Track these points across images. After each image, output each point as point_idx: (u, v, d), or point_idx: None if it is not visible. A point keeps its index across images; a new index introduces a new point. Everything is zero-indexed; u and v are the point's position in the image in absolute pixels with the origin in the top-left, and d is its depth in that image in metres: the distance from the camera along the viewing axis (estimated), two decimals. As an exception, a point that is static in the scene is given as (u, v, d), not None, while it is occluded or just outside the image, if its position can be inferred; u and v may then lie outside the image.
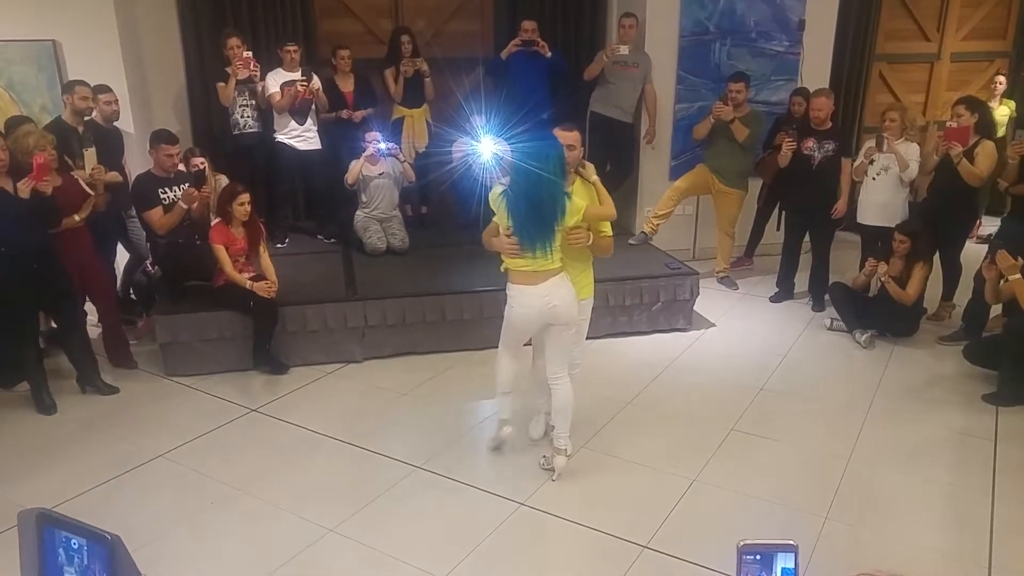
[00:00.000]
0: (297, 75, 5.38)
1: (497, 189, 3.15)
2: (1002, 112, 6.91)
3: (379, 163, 5.41)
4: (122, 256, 5.08)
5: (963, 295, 5.07)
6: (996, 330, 4.67)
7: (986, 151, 4.69)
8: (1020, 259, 4.09)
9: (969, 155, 4.67)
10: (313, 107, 5.52)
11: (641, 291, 4.97)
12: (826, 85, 5.85)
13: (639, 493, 3.33)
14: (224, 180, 4.94)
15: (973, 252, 5.18)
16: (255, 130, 5.46)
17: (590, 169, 3.26)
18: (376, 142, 5.28)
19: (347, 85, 5.69)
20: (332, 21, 6.22)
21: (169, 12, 5.67)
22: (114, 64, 5.11)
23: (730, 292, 5.82)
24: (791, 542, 1.26)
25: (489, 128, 3.62)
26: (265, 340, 4.38)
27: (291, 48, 5.39)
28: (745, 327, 5.20)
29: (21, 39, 4.93)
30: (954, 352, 4.62)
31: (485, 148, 3.56)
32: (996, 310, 4.79)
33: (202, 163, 4.85)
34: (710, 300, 5.44)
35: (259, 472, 3.46)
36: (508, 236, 3.09)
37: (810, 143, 5.19)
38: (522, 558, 2.93)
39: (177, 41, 5.75)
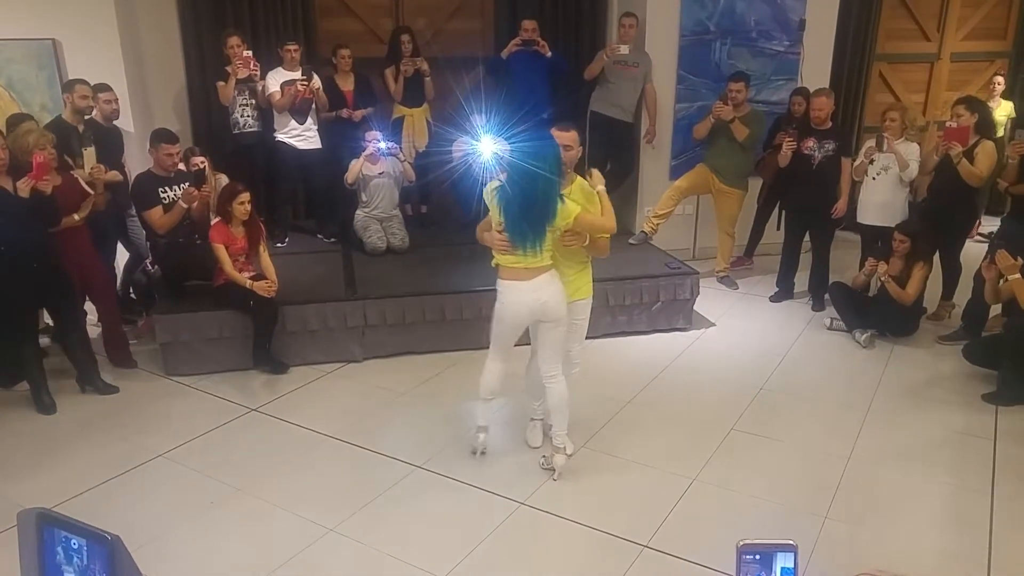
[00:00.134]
0: (297, 74, 5.38)
1: (492, 184, 3.16)
2: (1001, 112, 6.91)
3: (379, 162, 5.41)
4: (122, 255, 5.08)
5: (963, 295, 5.08)
6: (996, 330, 4.68)
7: (986, 151, 4.70)
8: (1020, 259, 4.09)
9: (969, 155, 4.67)
10: (313, 106, 5.52)
11: (641, 291, 4.97)
12: (826, 85, 5.85)
13: (639, 493, 3.33)
14: (224, 179, 4.94)
15: (973, 252, 5.18)
16: (255, 129, 5.46)
17: (597, 177, 3.25)
18: (376, 141, 5.28)
19: (347, 84, 5.69)
20: (332, 20, 6.22)
21: (169, 11, 5.67)
22: (114, 63, 5.11)
23: (730, 292, 5.82)
24: (790, 542, 1.26)
25: (489, 128, 3.62)
26: (265, 340, 4.38)
27: (291, 47, 5.39)
28: (745, 327, 5.20)
29: (21, 38, 4.93)
30: (954, 352, 4.62)
31: (485, 147, 3.56)
32: (996, 310, 4.79)
33: (202, 162, 4.85)
34: (710, 300, 5.44)
35: (259, 472, 3.46)
36: (500, 232, 3.11)
37: (810, 143, 5.19)
38: (522, 557, 2.93)
39: (177, 40, 5.74)
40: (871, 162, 5.08)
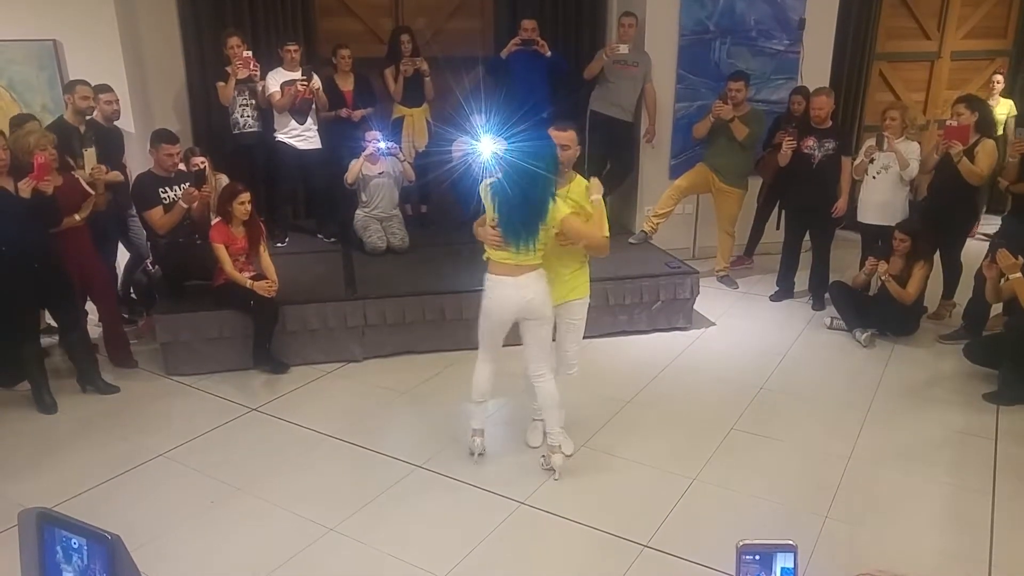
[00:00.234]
0: (297, 74, 5.38)
1: (488, 180, 3.18)
2: (1000, 111, 6.91)
3: (379, 162, 5.41)
4: (122, 255, 5.08)
5: (963, 294, 5.07)
6: (997, 329, 4.67)
7: (986, 150, 4.69)
8: (1020, 258, 4.08)
9: (969, 154, 4.67)
10: (313, 106, 5.52)
11: (641, 290, 4.97)
12: (826, 84, 5.85)
13: (639, 492, 3.33)
14: (224, 179, 4.95)
15: (973, 251, 5.18)
16: (255, 129, 5.46)
17: (595, 186, 3.22)
18: (376, 141, 5.28)
19: (347, 84, 5.68)
20: (332, 20, 6.23)
21: (169, 11, 5.67)
22: (114, 63, 5.12)
23: (730, 291, 5.82)
24: (790, 542, 1.26)
25: (489, 127, 3.62)
26: (265, 339, 4.38)
27: (291, 47, 5.39)
28: (745, 326, 5.20)
29: (22, 38, 4.94)
30: (954, 351, 4.62)
31: (485, 147, 3.57)
32: (997, 309, 4.79)
33: (202, 162, 4.85)
34: (710, 299, 5.44)
35: (259, 471, 3.46)
36: (493, 227, 3.13)
37: (810, 142, 5.18)
38: (522, 557, 2.94)
39: (177, 40, 5.75)
40: (871, 161, 5.08)
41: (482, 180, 3.25)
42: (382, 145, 5.29)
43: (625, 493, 3.33)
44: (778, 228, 6.01)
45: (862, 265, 5.09)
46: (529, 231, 3.07)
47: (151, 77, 5.63)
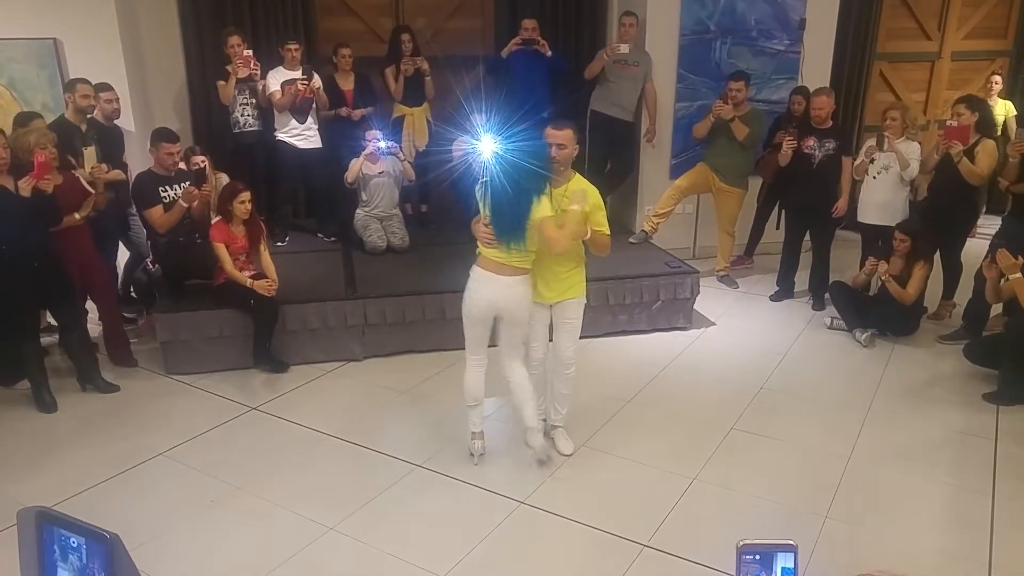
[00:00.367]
0: (298, 74, 5.38)
1: (483, 179, 3.21)
2: (997, 111, 6.91)
3: (379, 162, 5.41)
4: (123, 254, 5.08)
5: (963, 294, 5.07)
6: (997, 329, 4.67)
7: (987, 150, 4.69)
8: (1020, 258, 4.08)
9: (969, 154, 4.67)
10: (313, 106, 5.52)
11: (641, 290, 4.97)
12: (827, 84, 5.85)
13: (639, 492, 3.33)
14: (224, 178, 4.95)
15: (973, 251, 5.17)
16: (255, 128, 5.46)
17: (576, 196, 3.12)
18: (376, 140, 5.28)
19: (347, 83, 5.68)
20: (332, 19, 6.22)
21: (170, 10, 5.67)
22: (115, 62, 5.12)
23: (730, 291, 5.82)
24: (791, 542, 1.25)
25: (489, 127, 3.62)
26: (265, 338, 4.38)
27: (292, 46, 5.39)
28: (745, 326, 5.20)
29: (22, 37, 4.93)
30: (954, 351, 4.62)
31: (485, 147, 3.58)
32: (997, 309, 4.78)
33: (203, 161, 4.85)
34: (710, 299, 5.44)
35: (259, 470, 3.46)
36: (486, 225, 3.17)
37: (810, 142, 5.18)
38: (522, 556, 2.93)
39: (178, 39, 5.75)
40: (872, 161, 5.07)
41: (480, 179, 3.26)
42: (382, 144, 5.28)
43: (625, 493, 3.33)
44: (778, 228, 6.01)
45: (862, 265, 5.09)
46: (517, 230, 3.10)
47: (151, 76, 5.63)
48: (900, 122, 4.97)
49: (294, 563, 2.84)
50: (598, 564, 2.88)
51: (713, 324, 5.21)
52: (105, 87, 4.76)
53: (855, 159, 5.22)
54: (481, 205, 3.22)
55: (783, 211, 5.91)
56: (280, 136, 5.49)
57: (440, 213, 6.17)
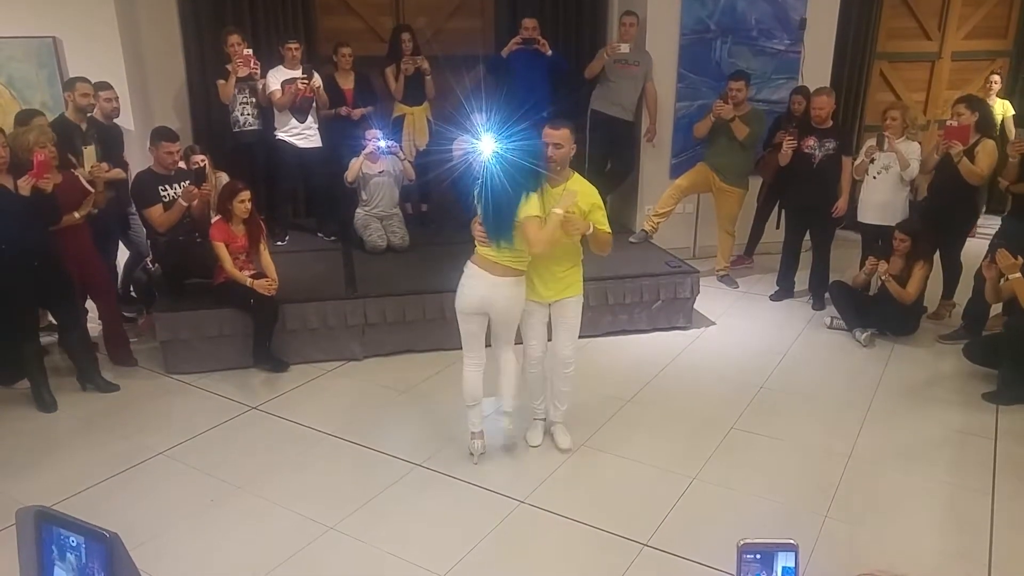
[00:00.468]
0: (298, 73, 5.37)
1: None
2: (996, 111, 6.91)
3: (379, 161, 5.41)
4: (122, 253, 5.08)
5: (963, 294, 5.07)
6: (996, 329, 4.67)
7: (987, 150, 4.69)
8: (1020, 258, 4.08)
9: (969, 154, 4.66)
10: (314, 105, 5.51)
11: (641, 289, 4.97)
12: (827, 84, 5.85)
13: (639, 491, 3.33)
14: (224, 177, 4.94)
15: (973, 251, 5.17)
16: (255, 128, 5.45)
17: (565, 199, 3.11)
18: (376, 140, 5.28)
19: (347, 83, 5.68)
20: (333, 18, 6.22)
21: (169, 9, 5.67)
22: (114, 61, 5.11)
23: (730, 290, 5.82)
24: (792, 541, 1.25)
25: (487, 126, 3.63)
26: (265, 338, 4.38)
27: (292, 45, 5.38)
28: (745, 326, 5.20)
29: (21, 35, 4.93)
30: (954, 351, 4.62)
31: (486, 146, 3.58)
32: (996, 309, 4.79)
33: (202, 160, 4.84)
34: (710, 298, 5.44)
35: (259, 470, 3.46)
36: (479, 224, 3.20)
37: (811, 142, 5.18)
38: (522, 556, 2.93)
39: (177, 38, 5.74)
40: (872, 161, 5.07)
41: (478, 178, 3.27)
42: (382, 144, 5.28)
43: (625, 492, 3.33)
44: (778, 228, 6.01)
45: (862, 265, 5.09)
46: (504, 226, 3.11)
47: (151, 75, 5.63)
48: (900, 122, 4.97)
49: (294, 562, 2.84)
50: (598, 563, 2.88)
51: (713, 324, 5.21)
52: (104, 86, 4.76)
53: (855, 159, 5.22)
54: (476, 203, 3.24)
55: (783, 211, 5.91)
56: (280, 135, 5.49)
57: (440, 212, 6.17)
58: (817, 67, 6.18)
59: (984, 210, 6.48)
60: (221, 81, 5.30)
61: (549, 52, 5.78)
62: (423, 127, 5.90)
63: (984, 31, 7.70)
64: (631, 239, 5.75)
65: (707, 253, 6.22)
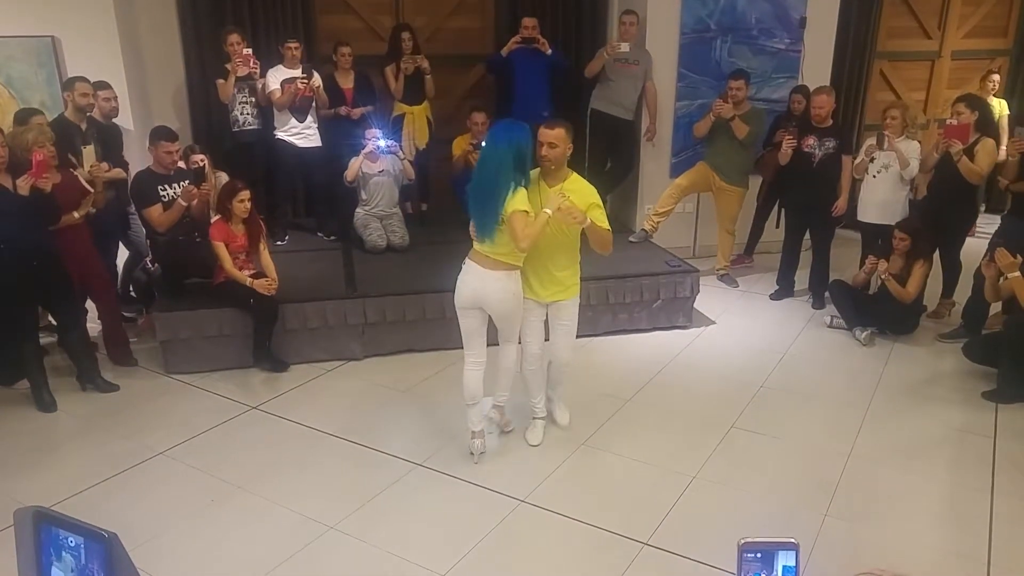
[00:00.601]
0: (298, 72, 5.37)
1: None
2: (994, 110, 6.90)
3: (379, 160, 5.40)
4: (122, 253, 5.07)
5: (963, 293, 5.07)
6: (996, 327, 4.67)
7: (986, 149, 4.69)
8: (1019, 257, 4.09)
9: (969, 153, 4.66)
10: (313, 104, 5.51)
11: (641, 288, 4.97)
12: (827, 83, 5.84)
13: (639, 490, 3.33)
14: (224, 177, 4.93)
15: (973, 250, 5.18)
16: (255, 127, 5.45)
17: (553, 200, 3.10)
18: (376, 139, 5.27)
19: (347, 82, 5.67)
20: (332, 18, 6.21)
21: (169, 8, 5.66)
22: (113, 60, 5.10)
23: (730, 290, 5.82)
24: (792, 540, 1.25)
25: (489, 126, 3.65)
26: (265, 337, 4.37)
27: (292, 45, 5.38)
28: (745, 325, 5.20)
29: (20, 35, 4.92)
30: (954, 349, 4.62)
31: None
32: (996, 307, 4.79)
33: (202, 160, 4.83)
34: (710, 298, 5.44)
35: (259, 469, 3.46)
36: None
37: (811, 141, 5.18)
38: (522, 555, 2.93)
39: (177, 37, 5.73)
40: (871, 160, 5.07)
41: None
42: (382, 143, 5.28)
43: (625, 491, 3.33)
44: (778, 227, 6.01)
45: (862, 264, 5.09)
46: (486, 219, 3.11)
47: (150, 74, 5.62)
48: (900, 121, 4.96)
49: (294, 562, 2.84)
50: (598, 562, 2.88)
51: (713, 323, 5.21)
52: (104, 85, 4.75)
53: (855, 158, 5.22)
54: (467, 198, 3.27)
55: (783, 210, 5.91)
56: (280, 135, 5.49)
57: (440, 212, 6.17)
58: (817, 66, 6.17)
59: (983, 209, 6.49)
60: (221, 80, 5.29)
61: (549, 51, 5.78)
62: (423, 126, 5.90)
63: (984, 30, 7.70)
64: (631, 238, 5.75)
65: (707, 252, 6.22)
